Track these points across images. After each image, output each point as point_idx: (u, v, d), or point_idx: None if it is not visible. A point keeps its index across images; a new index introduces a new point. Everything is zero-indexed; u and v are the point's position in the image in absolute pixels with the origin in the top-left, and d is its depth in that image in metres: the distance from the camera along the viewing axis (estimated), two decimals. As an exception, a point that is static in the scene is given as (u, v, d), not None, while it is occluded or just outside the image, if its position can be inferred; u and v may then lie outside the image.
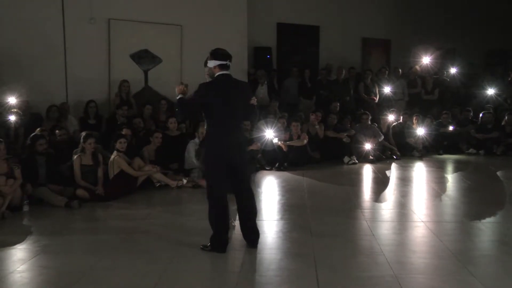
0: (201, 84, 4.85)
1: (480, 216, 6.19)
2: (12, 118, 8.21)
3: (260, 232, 5.10)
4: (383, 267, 4.46)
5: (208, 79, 4.97)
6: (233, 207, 5.02)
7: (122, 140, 7.54)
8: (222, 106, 4.71)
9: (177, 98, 4.91)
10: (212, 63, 4.79)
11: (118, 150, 7.47)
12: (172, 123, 8.96)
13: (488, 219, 6.11)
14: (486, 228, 5.74)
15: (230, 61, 4.85)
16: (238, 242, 5.08)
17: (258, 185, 7.97)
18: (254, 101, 5.11)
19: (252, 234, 4.99)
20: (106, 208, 6.77)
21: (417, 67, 12.81)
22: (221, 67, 4.77)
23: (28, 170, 6.88)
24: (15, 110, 8.40)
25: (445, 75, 13.09)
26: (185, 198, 7.50)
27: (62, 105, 9.38)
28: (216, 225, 4.84)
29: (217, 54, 4.79)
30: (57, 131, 8.09)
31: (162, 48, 10.84)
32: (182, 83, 4.98)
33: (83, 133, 7.59)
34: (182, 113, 5.13)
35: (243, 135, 4.82)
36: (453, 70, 13.03)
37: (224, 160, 4.76)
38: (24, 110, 9.01)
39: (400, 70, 12.57)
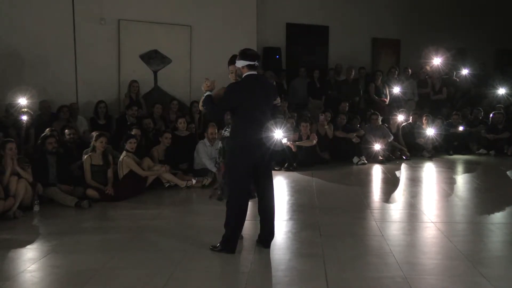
0: (231, 84, 4.93)
1: (491, 216, 6.18)
2: (24, 118, 8.26)
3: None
4: (393, 268, 4.44)
5: (233, 80, 5.01)
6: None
7: (132, 140, 7.56)
8: (250, 106, 4.77)
9: (205, 95, 4.92)
10: (240, 63, 4.82)
11: (127, 151, 7.50)
12: (182, 123, 8.98)
13: (498, 220, 6.08)
14: (497, 229, 5.70)
15: (259, 61, 4.90)
16: (247, 243, 5.10)
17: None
18: (278, 101, 5.16)
19: (268, 233, 5.00)
20: (115, 208, 6.80)
21: (427, 67, 12.75)
22: (249, 67, 4.81)
23: (39, 169, 6.94)
24: (26, 110, 8.46)
25: (454, 75, 13.02)
26: (194, 198, 7.53)
27: (72, 105, 9.44)
28: (235, 224, 4.84)
29: (245, 54, 4.82)
30: (66, 130, 8.13)
31: (171, 49, 10.88)
32: (207, 79, 4.99)
33: (95, 132, 7.65)
34: (214, 113, 5.09)
35: (268, 134, 4.86)
36: (463, 71, 12.95)
37: (250, 157, 4.79)
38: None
39: (409, 70, 12.53)
